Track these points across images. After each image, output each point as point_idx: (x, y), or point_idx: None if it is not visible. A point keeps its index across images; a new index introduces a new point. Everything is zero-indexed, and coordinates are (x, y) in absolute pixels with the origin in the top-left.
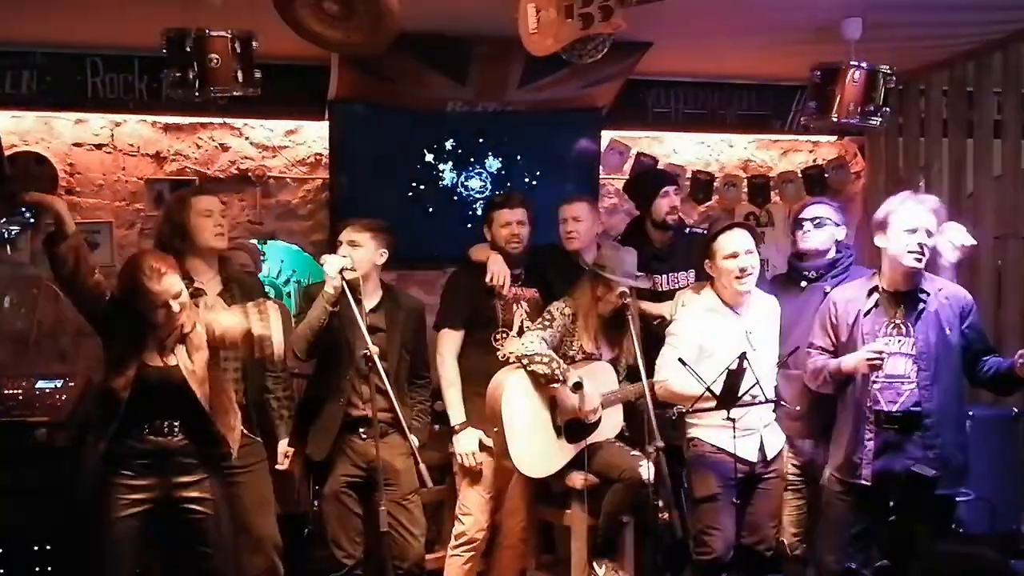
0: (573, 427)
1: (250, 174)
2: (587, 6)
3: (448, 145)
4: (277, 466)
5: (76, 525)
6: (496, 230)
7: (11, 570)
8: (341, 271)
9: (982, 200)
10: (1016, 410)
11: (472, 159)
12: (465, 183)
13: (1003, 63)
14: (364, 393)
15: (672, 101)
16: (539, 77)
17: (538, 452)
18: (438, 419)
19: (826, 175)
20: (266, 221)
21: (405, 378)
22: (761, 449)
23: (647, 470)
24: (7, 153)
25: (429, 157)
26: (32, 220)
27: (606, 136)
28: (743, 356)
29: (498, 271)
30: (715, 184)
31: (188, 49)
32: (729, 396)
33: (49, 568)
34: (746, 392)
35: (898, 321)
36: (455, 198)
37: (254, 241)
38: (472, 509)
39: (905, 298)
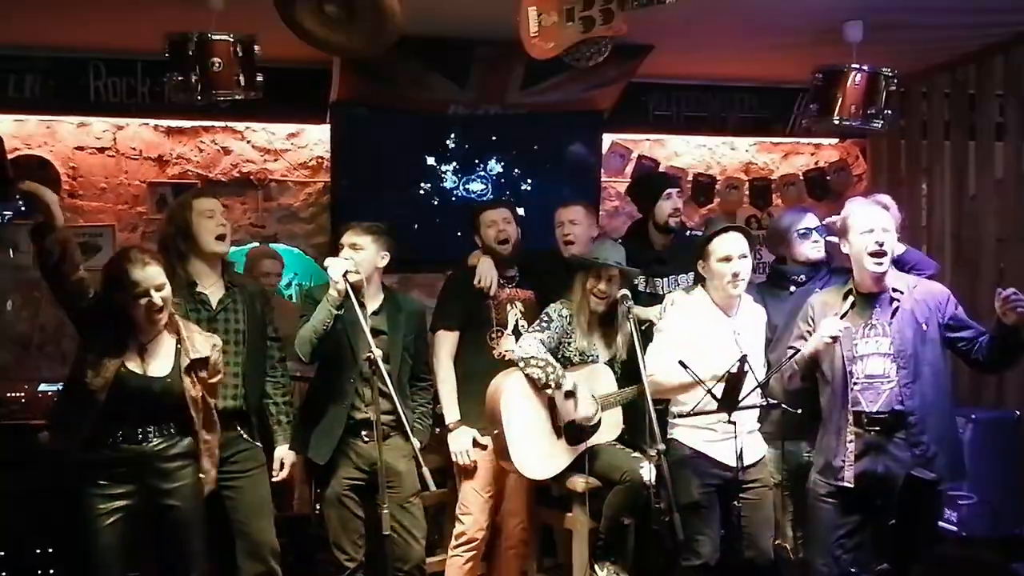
0: (573, 429)
1: (252, 177)
2: (588, 9)
3: (449, 148)
4: (273, 476)
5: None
6: (484, 232)
7: (14, 572)
8: (345, 274)
9: (984, 203)
10: (1018, 413)
11: (473, 162)
12: (466, 186)
13: (1005, 66)
14: (367, 396)
15: (673, 104)
16: (540, 80)
17: (538, 454)
18: (439, 422)
19: (828, 178)
20: (268, 224)
21: (406, 380)
22: (740, 456)
23: (648, 472)
24: (10, 156)
25: (430, 160)
26: (24, 209)
27: (607, 139)
28: (744, 359)
29: (485, 273)
30: (716, 187)
31: (190, 53)
32: (730, 399)
33: (52, 571)
34: (747, 395)
35: (874, 321)
36: (456, 201)
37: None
38: (472, 508)
39: (879, 298)
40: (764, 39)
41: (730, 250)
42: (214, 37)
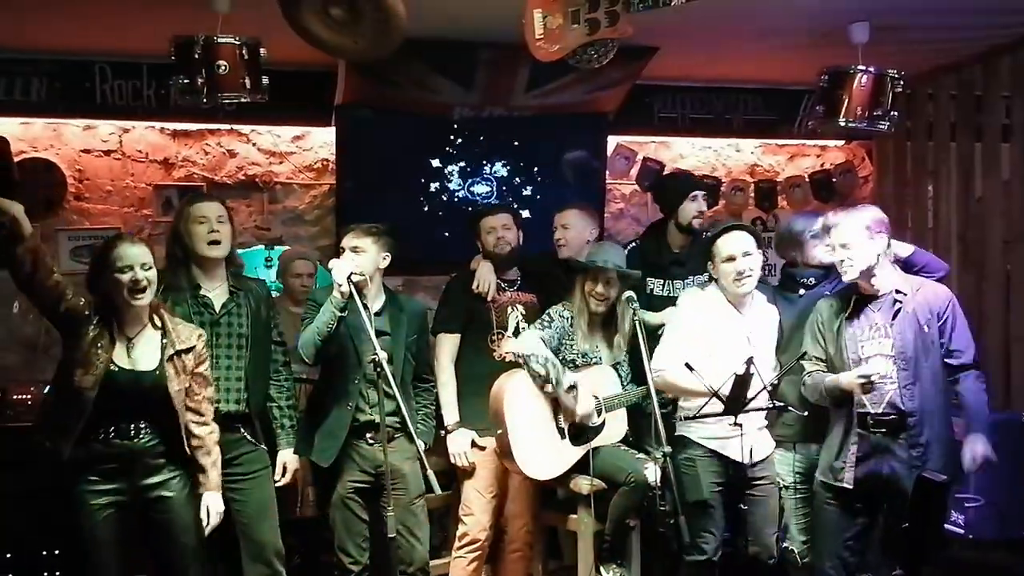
0: (577, 429)
1: (257, 180)
2: (593, 11)
3: (454, 150)
4: (276, 481)
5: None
6: (484, 238)
7: (20, 574)
8: (349, 276)
9: (990, 204)
10: None
11: (478, 164)
12: (471, 188)
13: (1011, 67)
14: (371, 398)
15: (678, 106)
16: (545, 82)
17: (542, 454)
18: (440, 424)
19: (833, 180)
20: (273, 227)
21: (410, 381)
22: (750, 453)
23: (653, 473)
24: (16, 159)
25: (435, 162)
26: None
27: (612, 141)
28: (750, 361)
29: (484, 277)
30: (722, 189)
31: (196, 56)
32: (736, 401)
33: (57, 572)
34: (753, 397)
35: (878, 323)
36: (461, 203)
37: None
38: (474, 509)
39: (883, 300)
40: (769, 41)
41: (733, 249)
42: (220, 40)
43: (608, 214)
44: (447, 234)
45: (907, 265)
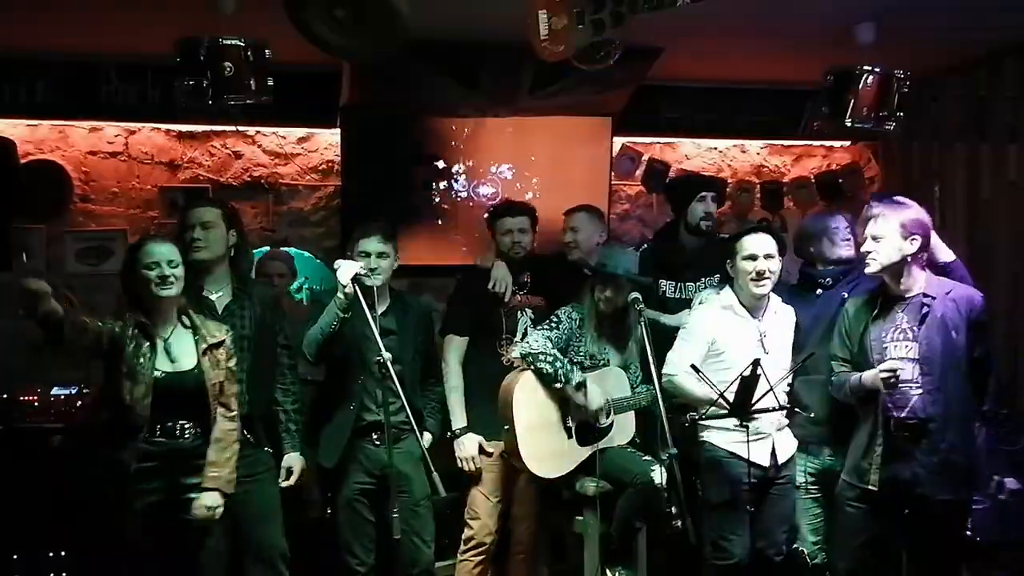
0: (584, 430)
1: (263, 182)
2: (598, 12)
3: (460, 152)
4: (281, 482)
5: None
6: (499, 238)
7: (27, 575)
8: (354, 278)
9: (997, 206)
10: None
11: (483, 165)
12: (476, 190)
13: (1018, 68)
14: (377, 398)
15: (684, 107)
16: (550, 83)
17: (548, 453)
18: (448, 427)
19: (840, 180)
20: (278, 228)
21: (418, 381)
22: (773, 454)
23: (660, 475)
24: (23, 161)
25: (441, 164)
26: (26, 311)
27: (618, 142)
28: (756, 363)
29: (501, 278)
30: (728, 190)
31: (201, 58)
32: (742, 404)
33: (64, 574)
34: (759, 400)
35: (904, 326)
36: (467, 205)
37: (285, 249)
38: (480, 513)
39: (910, 303)
40: (775, 41)
41: (756, 248)
42: (225, 42)
43: (613, 215)
44: (452, 235)
45: (944, 272)
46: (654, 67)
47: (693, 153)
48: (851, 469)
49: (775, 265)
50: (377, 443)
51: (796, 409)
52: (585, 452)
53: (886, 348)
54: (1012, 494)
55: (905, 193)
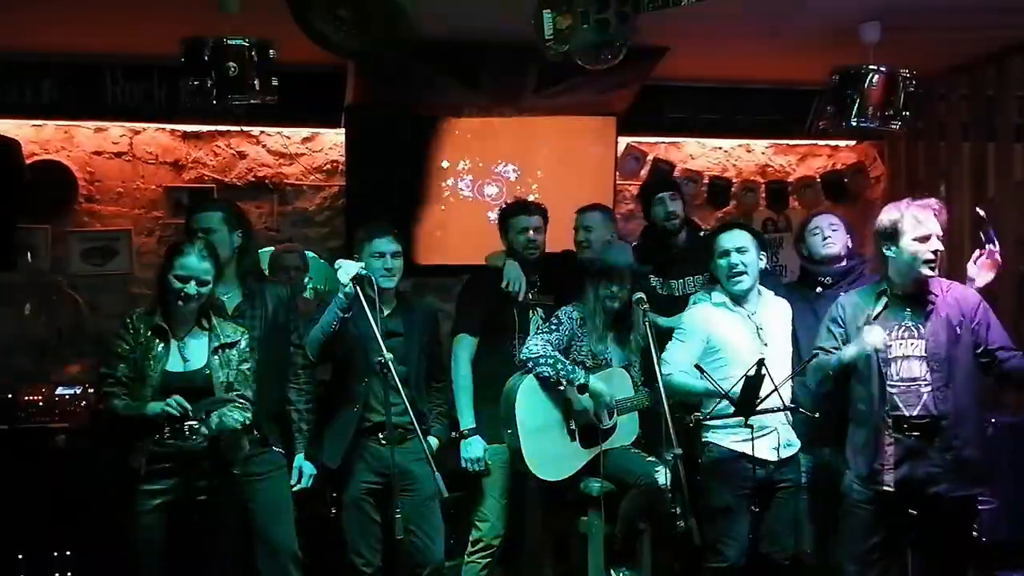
0: (588, 432)
1: (267, 181)
2: (603, 12)
3: (464, 151)
4: (292, 486)
5: (95, 531)
6: (513, 236)
7: (32, 574)
8: (354, 278)
9: (1003, 205)
10: None
11: (488, 165)
12: (481, 189)
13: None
14: (382, 398)
15: (689, 106)
16: (555, 83)
17: (551, 455)
18: (455, 426)
19: (845, 180)
20: (283, 228)
21: (424, 381)
22: (778, 448)
23: (664, 476)
24: (28, 161)
25: (445, 163)
26: None
27: (623, 142)
28: (761, 362)
29: (515, 277)
30: (732, 189)
31: (206, 58)
32: (747, 404)
33: (69, 573)
34: (764, 399)
35: (908, 324)
36: (471, 204)
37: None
38: (489, 515)
39: (914, 301)
40: (780, 40)
41: (728, 244)
42: (229, 42)
43: (618, 215)
44: (457, 235)
45: None
46: (659, 66)
47: (698, 153)
48: (861, 472)
49: (750, 259)
50: (384, 443)
51: (802, 410)
52: (589, 454)
53: (890, 346)
54: None
55: (910, 193)
